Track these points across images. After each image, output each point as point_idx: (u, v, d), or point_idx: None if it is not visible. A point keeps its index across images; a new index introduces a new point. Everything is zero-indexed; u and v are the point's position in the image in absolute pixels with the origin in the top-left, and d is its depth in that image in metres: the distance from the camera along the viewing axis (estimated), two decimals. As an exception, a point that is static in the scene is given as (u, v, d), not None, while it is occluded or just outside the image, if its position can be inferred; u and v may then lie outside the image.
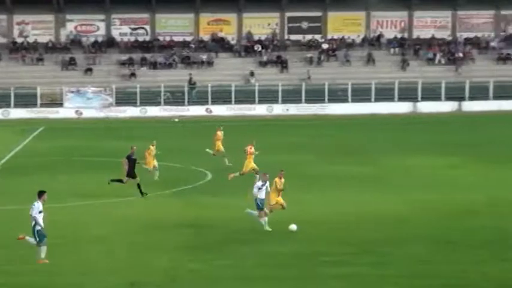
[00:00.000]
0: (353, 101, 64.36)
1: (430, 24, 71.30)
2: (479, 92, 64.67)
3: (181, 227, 24.66)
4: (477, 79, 65.16)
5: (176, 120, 60.70)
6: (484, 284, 18.32)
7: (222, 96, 64.47)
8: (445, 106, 63.98)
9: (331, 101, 64.25)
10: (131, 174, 29.30)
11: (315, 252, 21.08)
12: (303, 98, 64.50)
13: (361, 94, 64.36)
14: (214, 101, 64.28)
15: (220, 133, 36.71)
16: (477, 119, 58.12)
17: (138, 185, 29.15)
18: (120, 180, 29.62)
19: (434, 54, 68.86)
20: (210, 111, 63.78)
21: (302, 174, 32.84)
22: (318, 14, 71.17)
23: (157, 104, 64.09)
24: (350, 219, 24.92)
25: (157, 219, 25.83)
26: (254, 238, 22.97)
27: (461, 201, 27.74)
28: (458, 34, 70.92)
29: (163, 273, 19.46)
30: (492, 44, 69.84)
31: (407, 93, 64.51)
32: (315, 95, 64.47)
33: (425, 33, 70.67)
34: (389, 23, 71.45)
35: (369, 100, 64.28)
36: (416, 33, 70.98)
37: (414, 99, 64.47)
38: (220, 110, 63.45)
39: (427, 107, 63.64)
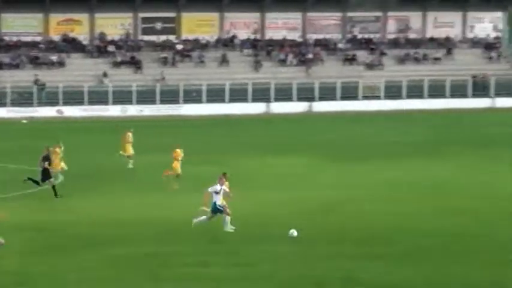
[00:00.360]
0: (207, 101, 64.70)
1: (281, 25, 72.80)
2: (328, 93, 66.70)
3: (25, 230, 24.06)
4: (326, 80, 67.21)
5: (24, 121, 58.76)
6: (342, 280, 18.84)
7: (74, 97, 63.06)
8: (297, 106, 65.51)
9: (185, 101, 64.31)
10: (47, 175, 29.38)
11: (174, 253, 20.93)
12: (158, 98, 64.18)
13: (215, 95, 64.81)
14: (66, 102, 62.76)
15: (130, 134, 36.49)
16: (326, 119, 59.87)
17: (35, 180, 29.34)
18: (53, 185, 29.51)
19: (286, 55, 70.39)
20: (62, 112, 62.19)
21: (158, 176, 32.52)
22: (172, 14, 71.02)
23: (3, 105, 61.79)
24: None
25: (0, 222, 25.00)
26: (101, 241, 22.66)
27: (318, 200, 28.32)
28: (308, 36, 72.82)
29: (8, 277, 18.93)
30: (339, 45, 72.22)
31: (261, 94, 65.57)
32: (170, 96, 64.30)
33: (277, 35, 72.09)
34: (243, 24, 72.40)
35: (223, 101, 64.84)
36: (268, 35, 72.28)
37: (267, 99, 65.64)
38: (72, 111, 62.04)
39: (279, 107, 64.96)
